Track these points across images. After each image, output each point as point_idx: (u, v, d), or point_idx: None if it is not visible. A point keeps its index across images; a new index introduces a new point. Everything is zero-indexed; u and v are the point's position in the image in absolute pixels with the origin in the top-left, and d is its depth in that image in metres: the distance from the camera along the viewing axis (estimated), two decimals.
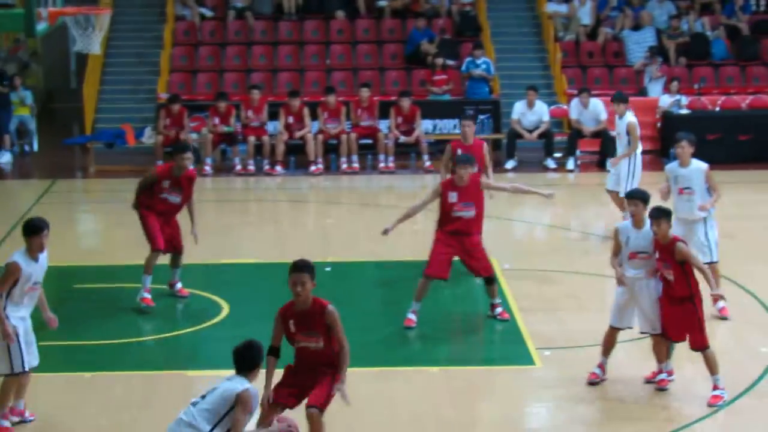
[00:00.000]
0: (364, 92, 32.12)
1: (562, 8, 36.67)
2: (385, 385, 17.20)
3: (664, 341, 16.66)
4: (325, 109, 31.79)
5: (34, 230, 15.50)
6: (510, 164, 31.47)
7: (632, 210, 16.55)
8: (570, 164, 31.39)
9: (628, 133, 24.53)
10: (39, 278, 15.54)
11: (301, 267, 14.32)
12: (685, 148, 19.26)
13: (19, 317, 15.31)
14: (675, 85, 32.85)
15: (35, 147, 34.12)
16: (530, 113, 31.71)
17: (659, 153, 32.31)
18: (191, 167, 20.12)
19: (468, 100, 33.40)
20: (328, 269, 21.72)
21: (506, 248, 24.18)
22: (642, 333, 16.79)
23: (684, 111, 32.41)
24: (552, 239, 25.68)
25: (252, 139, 31.45)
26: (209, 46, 36.30)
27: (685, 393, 16.45)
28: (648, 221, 16.33)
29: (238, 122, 31.74)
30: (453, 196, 19.11)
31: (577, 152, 31.61)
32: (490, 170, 21.98)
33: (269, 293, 21.01)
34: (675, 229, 16.77)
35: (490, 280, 19.57)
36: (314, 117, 31.73)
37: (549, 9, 36.65)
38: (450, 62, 34.77)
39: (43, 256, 15.65)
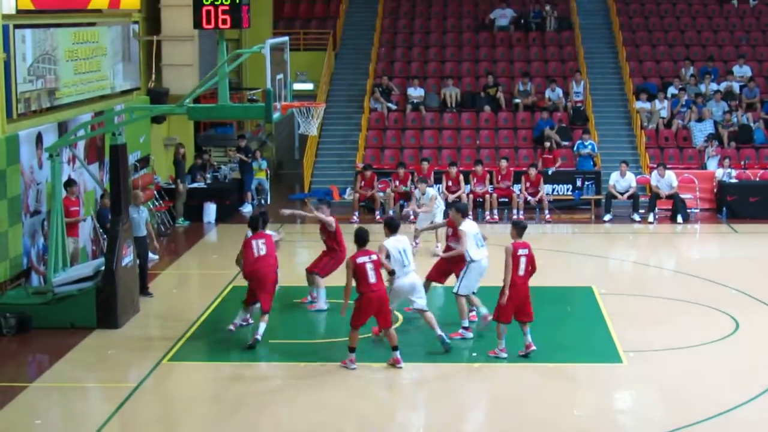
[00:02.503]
0: (503, 164, 32.09)
1: (647, 105, 36.29)
2: (515, 374, 17.22)
3: None
4: (474, 176, 31.76)
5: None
6: (607, 217, 31.11)
7: None
8: (650, 218, 30.97)
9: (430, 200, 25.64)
10: None
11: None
12: (453, 214, 19.48)
13: None
14: (727, 161, 32.39)
15: (269, 201, 34.47)
16: (622, 180, 31.39)
17: (715, 210, 31.90)
18: None
19: (577, 171, 33.14)
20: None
21: (602, 278, 24.00)
22: None
23: (733, 180, 31.94)
24: (636, 271, 25.42)
25: None
26: (393, 130, 36.48)
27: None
28: None
29: (412, 184, 31.87)
30: (450, 231, 19.98)
31: (656, 209, 31.19)
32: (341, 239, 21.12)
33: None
34: None
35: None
36: (467, 181, 31.73)
37: (637, 105, 36.30)
38: (565, 143, 34.62)
39: None
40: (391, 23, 41.74)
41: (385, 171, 33.05)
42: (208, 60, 29.04)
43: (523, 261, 17.46)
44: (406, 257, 17.89)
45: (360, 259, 17.04)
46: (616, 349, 18.20)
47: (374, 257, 17.16)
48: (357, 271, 16.97)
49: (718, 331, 19.19)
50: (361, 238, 17.39)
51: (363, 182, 31.92)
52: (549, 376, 17.16)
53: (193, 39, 28.63)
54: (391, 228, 18.11)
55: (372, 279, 17.00)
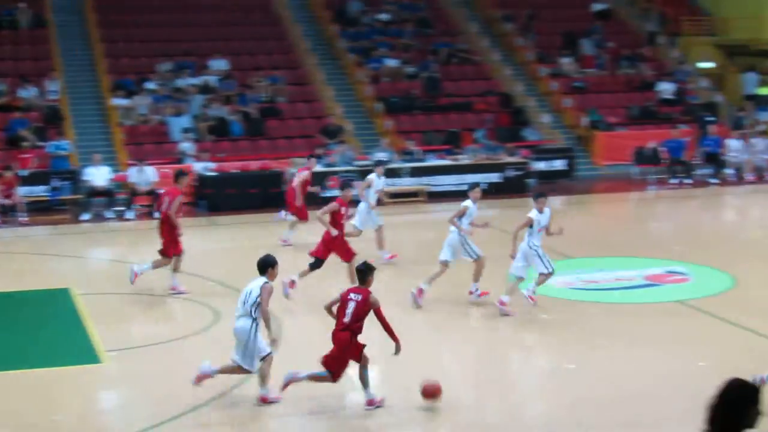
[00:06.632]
0: None
1: (125, 102, 36.35)
2: None
3: None
4: None
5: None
6: (85, 216, 30.83)
7: None
8: (129, 214, 31.03)
9: None
10: None
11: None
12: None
13: None
14: (206, 155, 33.10)
15: None
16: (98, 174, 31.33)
17: (195, 204, 32.41)
18: None
19: (54, 171, 32.47)
20: None
21: (80, 278, 23.56)
22: None
23: (213, 174, 32.62)
24: (112, 269, 25.03)
25: None
26: None
27: None
28: None
29: None
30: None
31: (134, 206, 31.27)
32: None
33: None
34: None
35: None
36: None
37: (114, 102, 36.32)
38: (41, 143, 33.85)
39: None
40: None
41: None
42: None
43: None
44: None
45: None
46: (94, 350, 17.83)
47: None
48: None
49: (198, 323, 19.36)
50: None
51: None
52: (22, 382, 16.53)
53: None
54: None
55: None
